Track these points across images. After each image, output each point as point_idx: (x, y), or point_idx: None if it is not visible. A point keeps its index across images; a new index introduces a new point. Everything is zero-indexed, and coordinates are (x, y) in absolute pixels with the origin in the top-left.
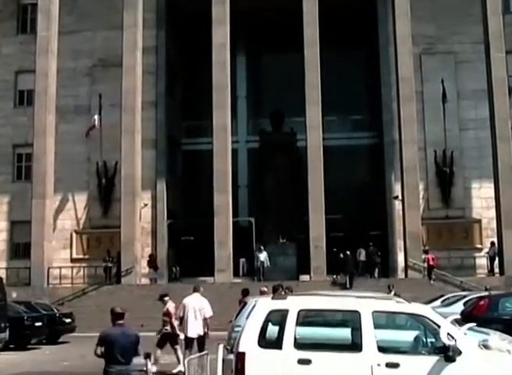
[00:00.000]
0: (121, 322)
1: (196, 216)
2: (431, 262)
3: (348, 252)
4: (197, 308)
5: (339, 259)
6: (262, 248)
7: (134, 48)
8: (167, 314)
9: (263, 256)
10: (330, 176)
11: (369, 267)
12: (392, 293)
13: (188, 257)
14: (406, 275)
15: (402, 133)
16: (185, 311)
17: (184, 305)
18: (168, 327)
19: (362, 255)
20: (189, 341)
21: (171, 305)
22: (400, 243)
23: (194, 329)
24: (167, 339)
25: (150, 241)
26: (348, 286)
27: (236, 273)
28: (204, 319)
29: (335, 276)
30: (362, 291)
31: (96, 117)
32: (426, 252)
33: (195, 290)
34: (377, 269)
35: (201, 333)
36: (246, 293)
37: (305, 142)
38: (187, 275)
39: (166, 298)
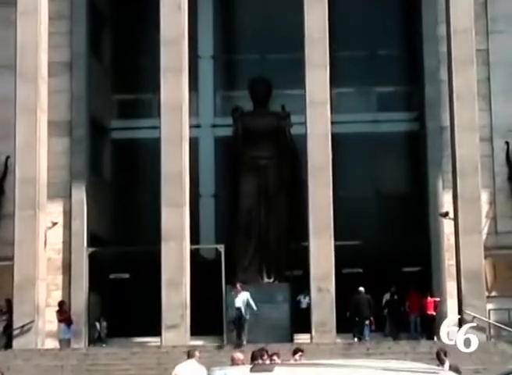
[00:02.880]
0: None
1: (133, 241)
2: (430, 310)
3: (362, 289)
4: None
5: (351, 302)
6: (239, 286)
7: None
8: None
9: (240, 300)
10: (342, 182)
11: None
12: (447, 365)
13: (120, 306)
14: None
15: (455, 116)
16: None
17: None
18: None
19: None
20: None
21: None
22: (450, 285)
23: None
24: None
25: (61, 280)
26: (367, 338)
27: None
28: None
29: (355, 339)
30: (392, 359)
31: None
32: (430, 295)
33: (190, 355)
34: (388, 326)
35: None
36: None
37: (304, 127)
38: (118, 334)
39: None
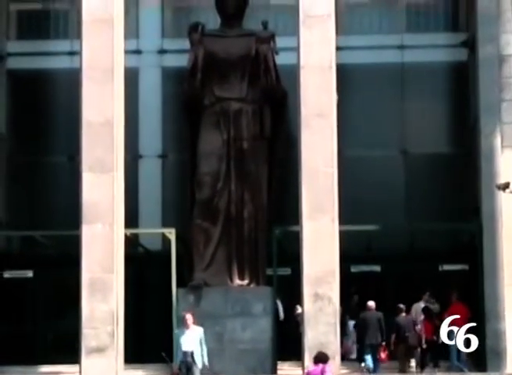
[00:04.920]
0: None
1: (40, 223)
2: (422, 331)
3: (372, 304)
4: None
5: (359, 321)
6: (188, 318)
7: None
8: None
9: (190, 340)
10: (352, 136)
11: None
12: None
13: (20, 319)
14: None
15: None
16: None
17: None
18: None
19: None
20: None
21: None
22: (511, 292)
23: None
24: None
25: None
26: (368, 370)
27: None
28: None
29: (362, 365)
30: None
31: None
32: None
33: None
34: (417, 355)
35: None
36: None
37: (297, 55)
38: (17, 360)
39: None
